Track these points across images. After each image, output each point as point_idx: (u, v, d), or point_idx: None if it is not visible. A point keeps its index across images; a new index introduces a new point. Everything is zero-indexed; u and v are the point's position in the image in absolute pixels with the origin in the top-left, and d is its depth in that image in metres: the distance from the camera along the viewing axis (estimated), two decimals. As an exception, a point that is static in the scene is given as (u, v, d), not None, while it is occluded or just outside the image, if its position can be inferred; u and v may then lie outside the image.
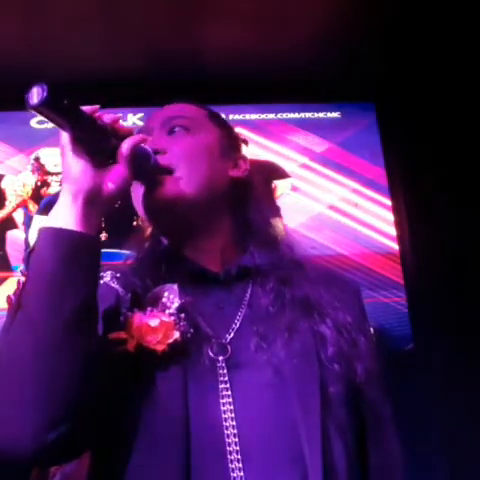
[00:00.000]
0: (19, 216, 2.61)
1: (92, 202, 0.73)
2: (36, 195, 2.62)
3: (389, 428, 0.86)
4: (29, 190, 2.63)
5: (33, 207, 2.61)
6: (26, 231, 2.57)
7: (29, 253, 0.71)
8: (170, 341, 0.74)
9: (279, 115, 2.78)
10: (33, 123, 2.61)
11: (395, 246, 2.59)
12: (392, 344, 2.39)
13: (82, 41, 2.46)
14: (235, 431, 0.72)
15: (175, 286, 0.78)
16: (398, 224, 2.61)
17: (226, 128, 0.94)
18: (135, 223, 1.95)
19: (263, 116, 2.78)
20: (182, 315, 0.75)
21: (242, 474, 0.70)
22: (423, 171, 2.60)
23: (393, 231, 2.61)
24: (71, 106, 0.70)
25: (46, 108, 0.68)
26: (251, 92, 2.65)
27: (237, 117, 2.72)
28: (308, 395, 0.75)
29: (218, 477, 0.70)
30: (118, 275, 0.84)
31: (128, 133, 0.78)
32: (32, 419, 0.65)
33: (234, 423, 0.72)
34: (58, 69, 2.46)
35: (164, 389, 0.73)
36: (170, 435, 0.71)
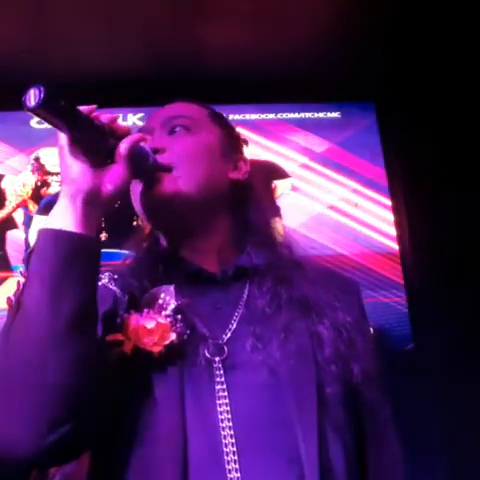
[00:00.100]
0: (19, 216, 2.61)
1: (91, 203, 0.73)
2: (36, 195, 2.62)
3: (389, 428, 0.86)
4: (29, 190, 2.63)
5: (33, 207, 2.61)
6: (26, 231, 2.57)
7: (29, 254, 0.71)
8: (166, 343, 0.74)
9: (279, 115, 2.78)
10: (33, 123, 2.61)
11: (395, 246, 2.59)
12: (392, 344, 2.39)
13: (82, 41, 2.46)
14: (231, 432, 0.72)
15: (171, 287, 0.78)
16: (398, 224, 2.61)
17: (227, 128, 0.94)
18: (135, 223, 1.95)
19: (263, 116, 2.78)
20: (178, 316, 0.75)
21: (239, 475, 0.70)
22: (423, 171, 2.60)
23: (393, 231, 2.61)
24: (68, 107, 0.70)
25: (43, 110, 0.68)
26: (251, 92, 2.64)
27: (237, 117, 2.72)
28: (304, 396, 0.75)
29: (215, 477, 0.70)
30: (116, 276, 0.84)
31: (126, 133, 0.78)
32: (33, 420, 0.65)
33: (231, 424, 0.72)
34: (58, 69, 2.46)
35: (161, 390, 0.73)
36: (167, 436, 0.71)
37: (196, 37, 2.47)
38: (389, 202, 2.65)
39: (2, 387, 0.67)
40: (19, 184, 2.64)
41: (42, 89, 0.66)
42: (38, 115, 0.69)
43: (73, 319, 0.68)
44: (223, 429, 0.72)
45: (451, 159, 2.55)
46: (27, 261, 0.71)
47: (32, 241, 0.71)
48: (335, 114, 2.79)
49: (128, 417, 0.74)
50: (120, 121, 0.79)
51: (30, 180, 2.64)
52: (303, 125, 2.77)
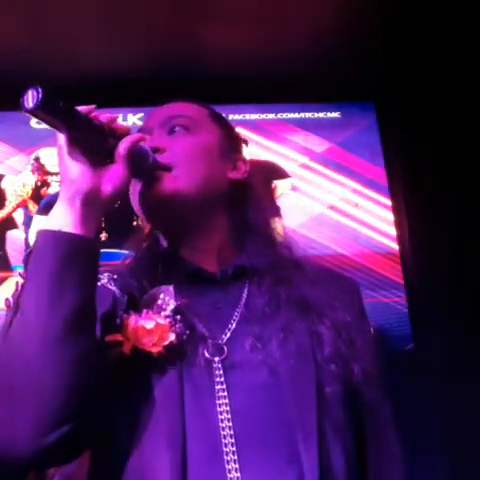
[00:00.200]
0: (19, 216, 2.61)
1: (90, 203, 0.73)
2: (36, 195, 2.62)
3: (389, 428, 0.86)
4: (29, 190, 2.63)
5: (33, 207, 2.61)
6: (26, 231, 2.57)
7: (27, 255, 0.71)
8: (166, 343, 0.74)
9: (279, 115, 2.78)
10: (33, 123, 2.61)
11: (395, 246, 2.59)
12: (392, 344, 2.39)
13: (82, 41, 2.46)
14: (231, 432, 0.72)
15: (171, 288, 0.78)
16: (398, 224, 2.61)
17: (227, 128, 0.94)
18: (135, 223, 1.95)
19: (263, 116, 2.78)
20: (178, 317, 0.75)
21: (239, 475, 0.70)
22: (423, 171, 2.60)
23: (393, 231, 2.61)
24: (67, 108, 0.70)
25: (42, 111, 0.68)
26: (251, 92, 2.64)
27: (237, 117, 2.72)
28: (304, 395, 0.75)
29: (215, 477, 0.70)
30: (115, 277, 0.84)
31: (125, 132, 0.77)
32: (33, 420, 0.65)
33: (230, 424, 0.72)
34: (58, 69, 2.46)
35: (160, 391, 0.73)
36: (167, 436, 0.71)
37: (196, 37, 2.47)
38: (389, 202, 2.65)
39: (2, 388, 0.67)
40: (19, 184, 2.64)
41: (40, 90, 0.66)
42: (36, 116, 0.69)
43: (71, 320, 0.67)
44: (223, 429, 0.72)
45: (451, 159, 2.55)
46: (26, 262, 0.71)
47: (32, 241, 0.71)
48: (335, 114, 2.79)
49: (128, 417, 0.74)
50: (120, 121, 0.78)
51: (30, 180, 2.64)
52: (303, 125, 2.77)
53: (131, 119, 2.70)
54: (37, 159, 2.65)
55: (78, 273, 0.69)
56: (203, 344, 0.77)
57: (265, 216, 0.94)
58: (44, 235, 0.71)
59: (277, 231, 0.94)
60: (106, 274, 0.84)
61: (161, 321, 0.74)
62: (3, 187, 2.63)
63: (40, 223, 2.50)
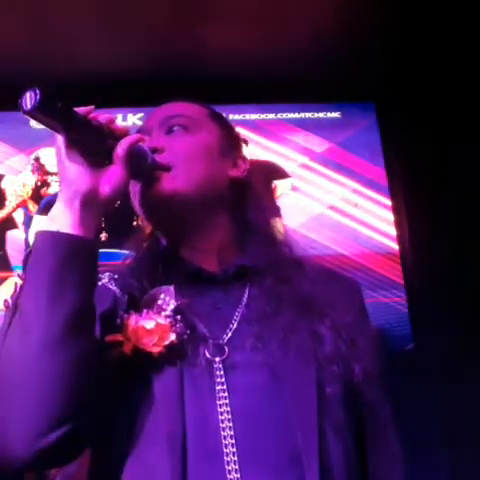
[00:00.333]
0: (19, 216, 2.61)
1: (89, 204, 0.73)
2: (36, 195, 2.62)
3: (389, 428, 0.86)
4: (29, 190, 2.63)
5: (33, 207, 2.61)
6: (26, 231, 2.57)
7: (26, 256, 0.71)
8: (166, 343, 0.74)
9: (279, 115, 2.78)
10: (33, 123, 2.60)
11: (395, 246, 2.58)
12: (392, 344, 2.39)
13: (82, 41, 2.46)
14: (232, 432, 0.72)
15: (171, 288, 0.78)
16: (398, 224, 2.61)
17: (227, 128, 0.94)
18: (135, 223, 1.95)
19: (263, 116, 2.78)
20: (178, 317, 0.75)
21: (239, 475, 0.70)
22: (423, 171, 2.60)
23: (393, 231, 2.61)
24: (65, 109, 0.69)
25: (39, 112, 0.68)
26: (251, 92, 2.64)
27: (237, 117, 2.72)
28: (304, 396, 0.75)
29: (215, 478, 0.70)
30: (116, 276, 0.83)
31: (124, 133, 0.77)
32: (32, 420, 0.65)
33: (231, 424, 0.72)
34: (58, 69, 2.46)
35: (161, 391, 0.73)
36: (167, 436, 0.71)
37: (196, 37, 2.47)
38: (389, 202, 2.65)
39: (1, 388, 0.67)
40: (19, 184, 2.64)
41: (38, 92, 0.66)
42: (35, 118, 0.68)
43: (71, 321, 0.67)
44: (223, 429, 0.72)
45: (451, 159, 2.55)
46: (25, 263, 0.71)
47: (32, 241, 0.71)
48: (335, 114, 2.78)
49: (128, 417, 0.73)
50: (120, 121, 0.78)
51: (30, 180, 2.64)
52: (303, 125, 2.76)
53: (131, 119, 2.69)
54: (37, 159, 2.65)
55: (77, 274, 0.69)
56: (204, 344, 0.76)
57: (265, 215, 0.94)
58: (43, 236, 0.71)
59: (278, 230, 0.94)
60: (107, 274, 0.84)
61: (161, 321, 0.74)
62: (3, 187, 2.63)
63: (40, 223, 2.49)
